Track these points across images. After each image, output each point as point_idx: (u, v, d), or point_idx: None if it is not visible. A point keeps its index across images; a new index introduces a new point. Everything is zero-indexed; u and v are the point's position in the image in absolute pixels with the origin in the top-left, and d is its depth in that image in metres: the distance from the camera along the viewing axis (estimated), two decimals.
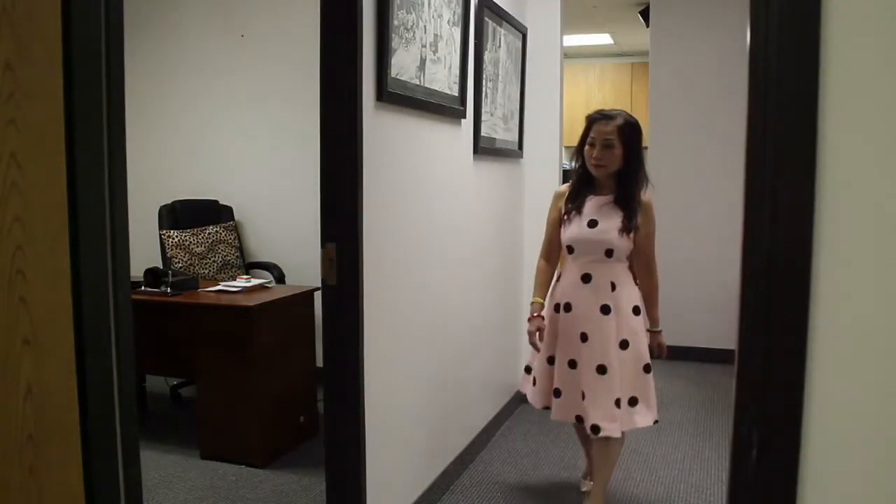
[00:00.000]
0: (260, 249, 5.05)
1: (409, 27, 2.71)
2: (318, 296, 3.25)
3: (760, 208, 1.37)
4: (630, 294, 2.86)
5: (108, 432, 1.36)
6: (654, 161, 5.66)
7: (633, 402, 2.84)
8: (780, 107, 1.33)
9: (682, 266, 5.52)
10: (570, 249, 2.89)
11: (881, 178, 1.30)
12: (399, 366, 2.84)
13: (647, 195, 2.87)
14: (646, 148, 3.00)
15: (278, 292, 3.89)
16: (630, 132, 2.81)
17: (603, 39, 7.65)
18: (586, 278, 2.84)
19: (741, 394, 1.43)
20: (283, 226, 4.96)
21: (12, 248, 1.18)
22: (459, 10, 3.22)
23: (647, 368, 2.87)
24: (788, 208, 1.33)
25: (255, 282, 4.00)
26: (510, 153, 4.23)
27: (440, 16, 3.01)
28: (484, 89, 3.64)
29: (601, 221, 2.81)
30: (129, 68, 1.40)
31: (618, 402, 2.79)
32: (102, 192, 1.32)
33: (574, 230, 2.85)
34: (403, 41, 2.68)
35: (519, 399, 4.57)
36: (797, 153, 1.32)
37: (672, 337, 5.47)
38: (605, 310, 2.81)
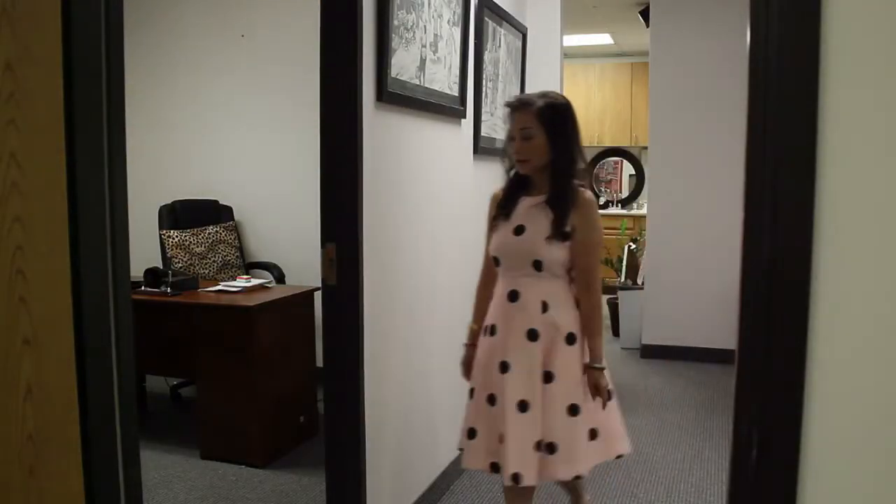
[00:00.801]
0: (260, 249, 5.06)
1: (409, 27, 2.71)
2: (318, 296, 3.25)
3: (760, 208, 1.36)
4: (566, 318, 2.34)
5: (108, 432, 1.36)
6: (654, 161, 5.66)
7: (550, 448, 2.29)
8: (780, 107, 1.33)
9: (681, 266, 5.53)
10: (497, 261, 2.42)
11: (881, 178, 1.30)
12: (399, 365, 2.83)
13: (587, 192, 2.35)
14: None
15: (278, 292, 3.89)
16: (552, 116, 2.30)
17: (603, 39, 7.64)
18: (513, 296, 2.35)
19: (741, 394, 1.43)
20: (283, 226, 4.96)
21: (12, 248, 1.18)
22: (459, 10, 3.22)
23: (572, 410, 2.30)
24: (788, 208, 1.33)
25: (255, 282, 4.00)
26: None
27: (440, 16, 3.01)
28: (484, 89, 3.64)
29: (528, 227, 2.33)
30: (128, 68, 1.40)
31: (538, 445, 2.30)
32: (102, 192, 1.32)
33: (499, 238, 2.40)
34: (403, 41, 2.68)
35: None
36: (797, 153, 1.32)
37: (672, 337, 5.57)
38: (532, 335, 2.31)
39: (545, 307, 2.33)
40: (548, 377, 2.32)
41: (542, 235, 2.31)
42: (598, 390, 2.32)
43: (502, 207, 2.43)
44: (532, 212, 2.35)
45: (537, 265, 2.32)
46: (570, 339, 2.34)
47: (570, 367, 2.32)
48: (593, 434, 2.39)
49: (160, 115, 5.18)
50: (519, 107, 2.36)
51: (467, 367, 2.55)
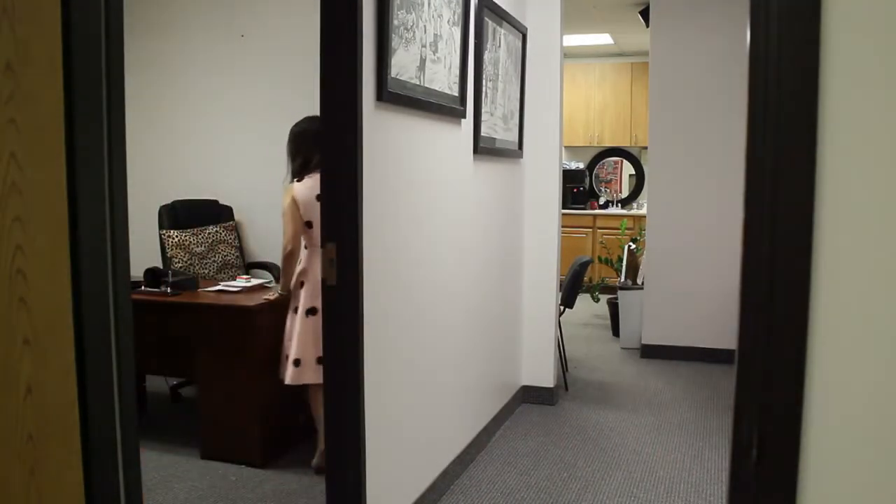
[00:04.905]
0: (260, 249, 5.05)
1: (409, 27, 2.71)
2: None
3: (760, 208, 1.36)
4: None
5: (108, 432, 1.36)
6: (654, 161, 5.66)
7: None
8: (780, 107, 1.33)
9: (681, 266, 5.53)
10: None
11: (881, 178, 1.30)
12: (399, 365, 2.83)
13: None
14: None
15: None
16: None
17: (603, 39, 7.64)
18: None
19: (741, 394, 1.43)
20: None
21: (12, 248, 1.18)
22: (459, 10, 3.22)
23: None
24: (788, 208, 1.33)
25: (255, 282, 4.00)
26: (510, 153, 4.23)
27: (440, 16, 3.01)
28: (484, 89, 3.64)
29: None
30: (128, 68, 1.40)
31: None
32: (102, 192, 1.32)
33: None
34: (403, 41, 2.68)
35: (519, 399, 4.58)
36: (797, 153, 1.32)
37: (672, 337, 5.58)
38: None
39: None
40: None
41: None
42: None
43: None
44: None
45: None
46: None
47: None
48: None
49: (160, 115, 5.18)
50: None
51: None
